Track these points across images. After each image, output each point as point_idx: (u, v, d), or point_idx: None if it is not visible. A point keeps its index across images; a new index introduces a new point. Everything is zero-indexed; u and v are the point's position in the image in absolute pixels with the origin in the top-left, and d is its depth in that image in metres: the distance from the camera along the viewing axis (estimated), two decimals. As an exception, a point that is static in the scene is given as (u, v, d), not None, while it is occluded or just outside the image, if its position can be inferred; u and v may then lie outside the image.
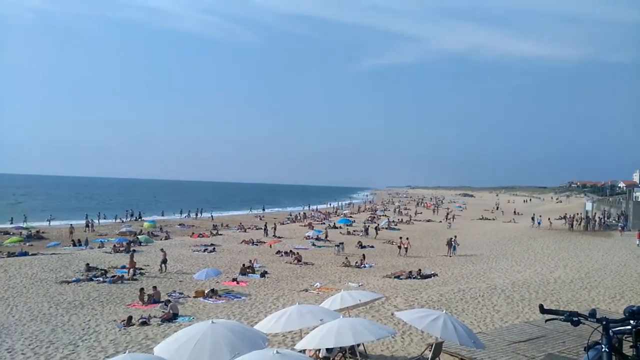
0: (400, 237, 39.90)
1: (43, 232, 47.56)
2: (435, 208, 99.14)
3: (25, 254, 34.71)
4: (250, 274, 27.70)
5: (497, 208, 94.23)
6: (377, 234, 50.07)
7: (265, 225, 51.79)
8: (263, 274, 27.62)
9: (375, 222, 63.64)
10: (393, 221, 64.76)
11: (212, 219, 69.18)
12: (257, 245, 42.02)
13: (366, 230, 52.19)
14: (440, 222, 67.77)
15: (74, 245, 40.08)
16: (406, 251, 36.63)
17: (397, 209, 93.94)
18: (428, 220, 72.30)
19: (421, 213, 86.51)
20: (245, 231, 54.07)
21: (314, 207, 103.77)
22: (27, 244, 39.88)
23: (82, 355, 14.12)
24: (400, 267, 30.21)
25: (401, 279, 26.11)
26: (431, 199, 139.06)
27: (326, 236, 46.48)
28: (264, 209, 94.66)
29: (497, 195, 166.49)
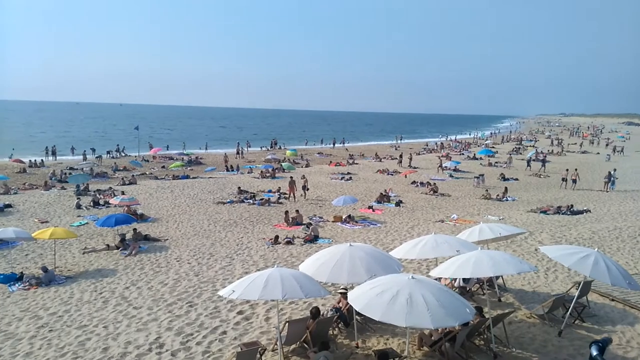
0: (567, 169, 36.50)
1: (201, 158, 53.00)
2: (593, 138, 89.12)
3: (187, 177, 39.32)
4: (385, 203, 28.10)
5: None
6: (529, 167, 45.93)
7: (401, 155, 51.44)
8: (398, 203, 27.84)
9: (520, 153, 59.42)
10: (541, 152, 59.85)
11: (347, 148, 70.82)
12: (392, 175, 42.17)
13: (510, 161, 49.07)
14: (598, 153, 60.93)
15: (227, 170, 44.19)
16: (574, 183, 33.97)
17: (550, 139, 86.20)
18: (583, 152, 65.53)
19: (574, 144, 78.52)
20: (380, 161, 54.42)
21: (453, 137, 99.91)
22: (188, 168, 44.92)
23: (237, 267, 15.88)
24: (547, 202, 28.19)
25: (548, 214, 24.42)
26: (588, 127, 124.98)
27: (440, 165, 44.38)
28: (400, 139, 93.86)
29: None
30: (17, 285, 14.43)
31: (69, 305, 12.72)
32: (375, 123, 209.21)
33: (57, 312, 12.24)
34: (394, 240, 19.13)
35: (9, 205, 25.94)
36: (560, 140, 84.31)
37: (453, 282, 12.26)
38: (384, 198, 28.70)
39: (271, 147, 69.50)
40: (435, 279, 10.07)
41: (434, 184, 34.03)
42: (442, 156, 55.93)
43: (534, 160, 49.96)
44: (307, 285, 8.66)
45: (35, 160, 45.45)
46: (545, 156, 53.67)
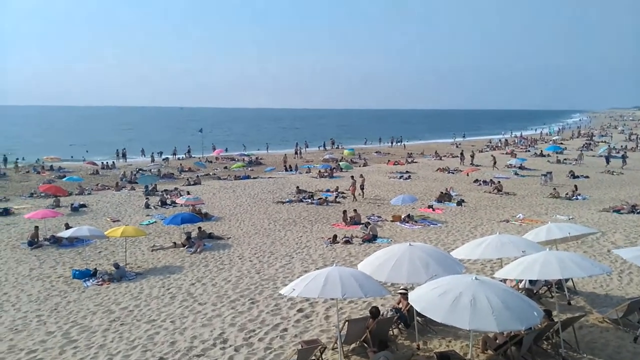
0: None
1: (261, 159, 54.12)
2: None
3: (248, 177, 40.28)
4: (446, 202, 27.46)
5: None
6: (608, 164, 43.21)
7: (462, 153, 50.12)
8: (460, 203, 27.13)
9: (591, 150, 56.28)
10: (614, 148, 56.37)
11: (404, 146, 69.94)
12: (453, 173, 41.16)
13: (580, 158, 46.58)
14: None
15: (286, 170, 44.86)
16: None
17: (623, 134, 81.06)
18: (661, 148, 61.15)
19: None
20: (440, 159, 53.28)
21: (517, 133, 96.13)
22: (249, 168, 46.00)
23: (296, 265, 16.07)
24: (621, 200, 26.49)
25: (622, 213, 22.95)
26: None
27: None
28: (463, 136, 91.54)
29: None
30: (91, 280, 15.32)
31: (138, 300, 13.36)
32: (435, 120, 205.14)
33: (128, 307, 12.89)
34: (455, 240, 18.67)
35: (84, 205, 27.63)
36: (637, 135, 79.05)
37: (519, 284, 11.79)
38: (444, 197, 28.07)
39: (329, 147, 69.81)
40: (500, 281, 9.72)
41: (498, 182, 32.88)
42: (506, 153, 53.94)
43: (612, 156, 47.09)
44: (367, 284, 8.62)
45: (107, 163, 48.15)
46: (626, 152, 50.47)
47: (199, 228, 20.57)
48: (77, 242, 19.66)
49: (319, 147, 69.57)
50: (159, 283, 14.85)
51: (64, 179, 37.36)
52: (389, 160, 51.32)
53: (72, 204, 27.34)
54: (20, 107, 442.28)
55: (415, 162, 50.03)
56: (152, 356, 9.82)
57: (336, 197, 29.47)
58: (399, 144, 75.29)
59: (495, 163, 43.10)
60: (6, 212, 25.84)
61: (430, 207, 25.80)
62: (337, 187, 32.38)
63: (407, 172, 41.11)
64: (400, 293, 10.87)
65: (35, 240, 19.58)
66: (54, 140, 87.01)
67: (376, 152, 62.28)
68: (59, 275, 15.99)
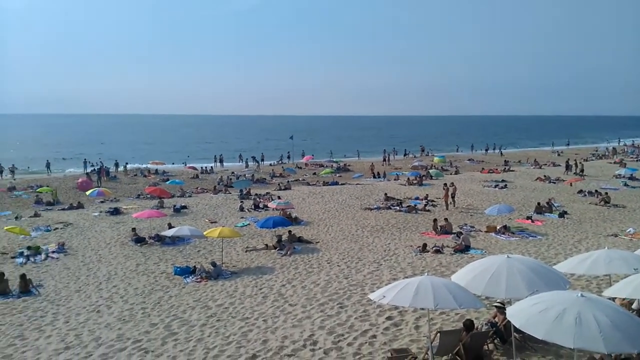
0: None
1: (349, 166, 54.41)
2: None
3: (336, 183, 40.69)
4: (546, 213, 25.80)
5: None
6: None
7: (568, 162, 46.83)
8: (562, 214, 25.34)
9: None
10: None
11: (502, 154, 66.80)
12: (554, 183, 38.59)
13: None
14: None
15: (374, 177, 44.73)
16: None
17: None
18: None
19: None
20: (540, 167, 50.26)
21: (629, 141, 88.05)
22: (337, 175, 46.42)
23: (384, 272, 15.91)
24: None
25: None
26: None
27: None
28: (567, 144, 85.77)
29: None
30: (190, 277, 16.26)
31: (233, 298, 13.96)
32: (533, 127, 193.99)
33: (224, 304, 13.51)
34: (557, 254, 17.48)
35: (185, 207, 29.47)
36: None
37: (630, 303, 10.74)
38: (544, 208, 26.39)
39: (418, 154, 68.55)
40: (609, 299, 8.93)
41: (605, 193, 30.30)
42: (614, 162, 49.65)
43: None
44: (461, 295, 8.31)
45: (206, 167, 51.00)
46: None
47: (289, 232, 21.09)
48: (179, 240, 21.00)
49: (407, 154, 68.50)
50: (252, 282, 15.42)
51: (167, 182, 40.11)
52: (483, 168, 49.32)
53: (174, 206, 29.28)
54: (129, 116, 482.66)
55: (512, 171, 47.59)
56: (245, 352, 10.20)
57: (426, 205, 28.82)
58: (494, 151, 72.06)
59: (581, 170, 39.75)
60: (116, 211, 28.31)
61: (528, 218, 24.38)
62: (427, 195, 31.67)
63: (502, 180, 39.21)
64: (496, 306, 10.37)
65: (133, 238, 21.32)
66: (159, 147, 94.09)
67: (469, 160, 60.12)
68: (162, 271, 17.17)
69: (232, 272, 16.77)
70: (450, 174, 46.47)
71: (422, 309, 9.85)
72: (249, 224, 24.74)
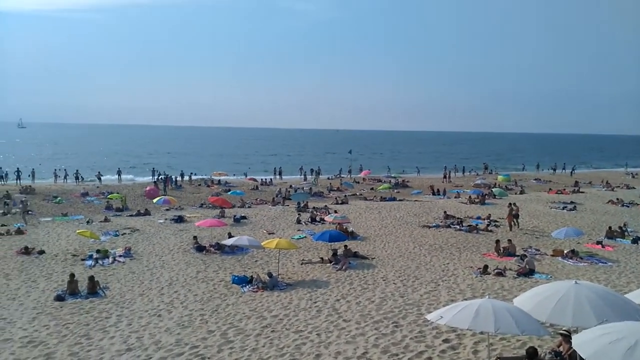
0: None
1: (408, 182, 53.68)
2: None
3: (394, 199, 40.23)
4: (618, 239, 24.20)
5: None
6: None
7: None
8: (635, 240, 23.66)
9: None
10: None
11: (572, 174, 63.63)
12: (628, 206, 36.21)
13: None
14: None
15: (433, 194, 43.81)
16: None
17: None
18: None
19: None
20: (612, 190, 47.37)
21: None
22: (395, 190, 45.89)
23: (442, 293, 15.48)
24: None
25: None
26: None
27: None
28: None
29: None
30: (247, 287, 16.54)
31: (288, 310, 14.05)
32: (607, 147, 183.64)
33: (278, 315, 13.63)
34: (629, 282, 16.36)
35: (244, 217, 30.15)
36: None
37: None
38: (616, 233, 24.77)
39: (481, 172, 66.57)
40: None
41: (687, 220, 28.06)
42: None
43: None
44: (524, 321, 7.96)
45: (265, 179, 52.04)
46: None
47: (345, 246, 21.02)
48: (238, 250, 21.47)
49: (468, 172, 66.70)
50: (306, 295, 15.47)
51: (229, 193, 41.25)
52: (550, 189, 47.18)
53: (234, 216, 30.02)
54: (197, 128, 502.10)
55: (582, 192, 45.16)
56: (298, 366, 10.21)
57: (488, 225, 27.84)
58: (563, 171, 68.69)
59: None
60: (180, 219, 29.39)
61: (598, 243, 22.96)
62: (489, 214, 30.61)
63: (571, 202, 37.27)
64: (561, 334, 9.78)
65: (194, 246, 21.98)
66: (223, 159, 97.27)
67: (535, 180, 57.68)
68: (220, 279, 17.58)
69: (288, 284, 16.90)
70: (515, 193, 44.74)
71: (482, 332, 9.47)
72: (305, 237, 24.90)
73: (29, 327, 12.86)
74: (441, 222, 28.79)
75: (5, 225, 27.02)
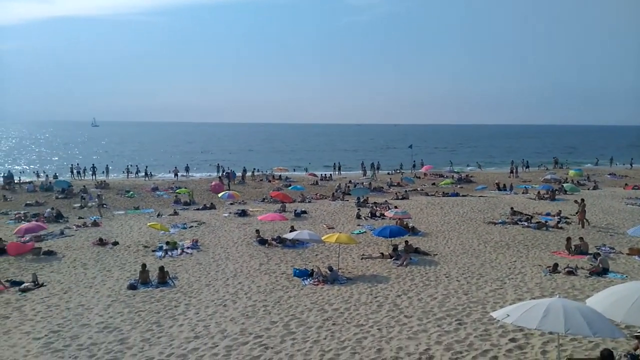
0: None
1: (472, 177, 52.17)
2: None
3: (457, 194, 39.25)
4: None
5: None
6: None
7: None
8: None
9: None
10: None
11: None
12: None
13: None
14: None
15: (499, 189, 42.33)
16: None
17: None
18: None
19: None
20: (700, 185, 43.73)
21: None
22: (458, 186, 44.72)
23: (509, 291, 14.97)
24: None
25: None
26: None
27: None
28: None
29: None
30: (308, 280, 16.77)
31: (348, 304, 14.13)
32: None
33: (339, 309, 13.73)
34: None
35: (305, 212, 30.53)
36: None
37: None
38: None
39: (551, 167, 63.53)
40: None
41: None
42: None
43: None
44: (597, 322, 7.56)
45: (325, 175, 52.36)
46: None
47: (406, 242, 20.79)
48: (299, 244, 21.80)
49: (538, 167, 63.84)
50: (367, 290, 15.47)
51: (289, 188, 41.90)
52: (626, 184, 44.26)
53: (295, 210, 30.47)
54: (263, 125, 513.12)
55: (663, 188, 42.05)
56: (359, 359, 10.25)
57: (558, 222, 26.54)
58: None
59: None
60: (244, 213, 30.23)
61: (682, 242, 21.33)
62: (560, 210, 29.18)
63: (650, 198, 34.81)
64: (638, 337, 9.23)
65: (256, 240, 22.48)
66: (286, 155, 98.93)
67: (610, 174, 54.31)
68: (282, 271, 17.94)
69: (348, 278, 16.96)
70: (588, 189, 42.37)
71: (551, 333, 9.09)
72: (365, 232, 24.86)
73: (104, 313, 13.74)
74: (508, 218, 27.77)
75: (82, 218, 29.04)
